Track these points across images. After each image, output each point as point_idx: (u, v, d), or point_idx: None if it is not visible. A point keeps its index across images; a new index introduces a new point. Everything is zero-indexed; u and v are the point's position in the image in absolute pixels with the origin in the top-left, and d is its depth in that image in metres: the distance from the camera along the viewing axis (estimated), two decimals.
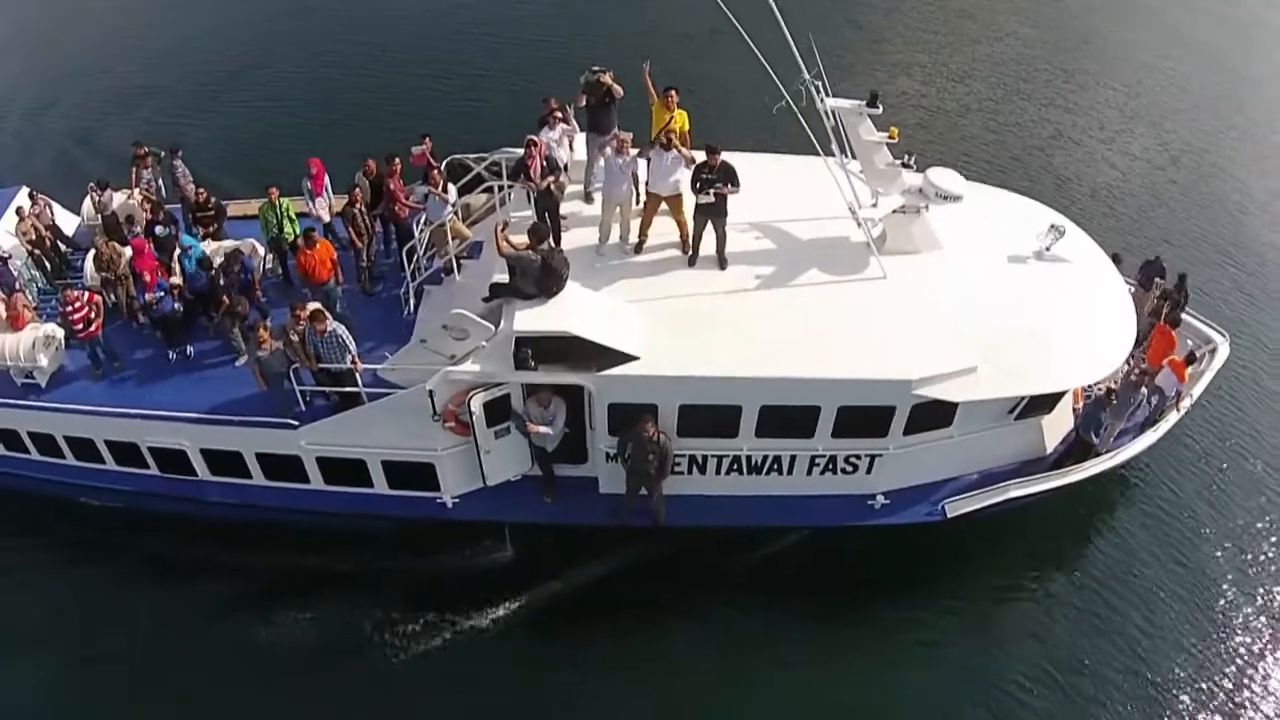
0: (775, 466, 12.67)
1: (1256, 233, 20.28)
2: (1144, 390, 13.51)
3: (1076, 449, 13.41)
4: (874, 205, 12.65)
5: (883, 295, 12.45)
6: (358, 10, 27.78)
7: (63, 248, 16.51)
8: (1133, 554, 14.11)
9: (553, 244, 12.08)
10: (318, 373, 12.40)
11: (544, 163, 12.25)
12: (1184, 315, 14.34)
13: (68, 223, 17.01)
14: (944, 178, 12.61)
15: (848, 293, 12.46)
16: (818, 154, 12.51)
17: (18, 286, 14.87)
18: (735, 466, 12.64)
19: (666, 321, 12.03)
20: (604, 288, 12.36)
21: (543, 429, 11.92)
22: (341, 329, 11.96)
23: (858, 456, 12.64)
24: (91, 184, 16.23)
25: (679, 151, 12.11)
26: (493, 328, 11.67)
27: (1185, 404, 13.87)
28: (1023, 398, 12.65)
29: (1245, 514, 14.70)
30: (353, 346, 12.04)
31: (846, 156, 12.65)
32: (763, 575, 13.63)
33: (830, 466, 12.71)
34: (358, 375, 12.21)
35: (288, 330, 12.32)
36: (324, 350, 12.06)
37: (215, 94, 24.23)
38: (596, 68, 12.70)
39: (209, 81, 24.71)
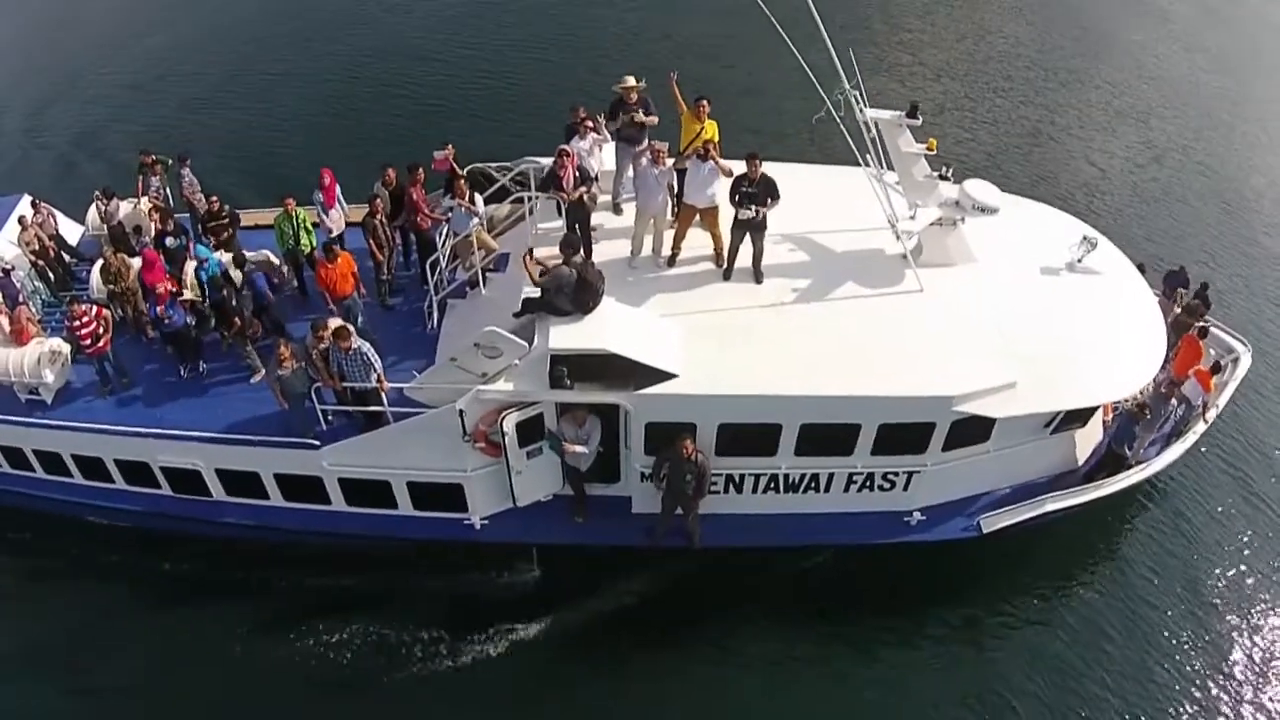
0: (812, 484, 11.81)
1: (1240, 230, 19.37)
2: (1174, 401, 12.82)
3: (1108, 461, 12.68)
4: (912, 218, 11.78)
5: (920, 309, 11.62)
6: (369, 15, 26.02)
7: (66, 258, 15.31)
8: (1153, 567, 13.32)
9: (584, 256, 11.15)
10: (341, 392, 11.38)
11: (576, 173, 11.27)
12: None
13: (71, 232, 15.78)
14: (981, 190, 11.80)
15: (885, 307, 11.61)
16: (842, 164, 11.70)
17: (21, 299, 13.68)
18: (772, 485, 11.76)
19: (704, 337, 11.11)
20: (638, 302, 11.40)
21: (578, 448, 10.98)
22: (367, 347, 10.93)
23: (895, 473, 11.80)
24: (97, 192, 15.00)
25: (716, 163, 11.18)
26: (526, 345, 10.69)
27: (1211, 414, 13.20)
28: (1060, 412, 11.89)
29: (1259, 527, 13.92)
30: (378, 364, 11.00)
31: (881, 167, 11.82)
32: (790, 592, 12.73)
33: (868, 484, 11.86)
34: (383, 394, 11.19)
35: (310, 348, 11.29)
36: (348, 368, 11.01)
37: (221, 98, 22.66)
38: (630, 79, 11.69)
39: (215, 85, 23.15)
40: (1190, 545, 13.66)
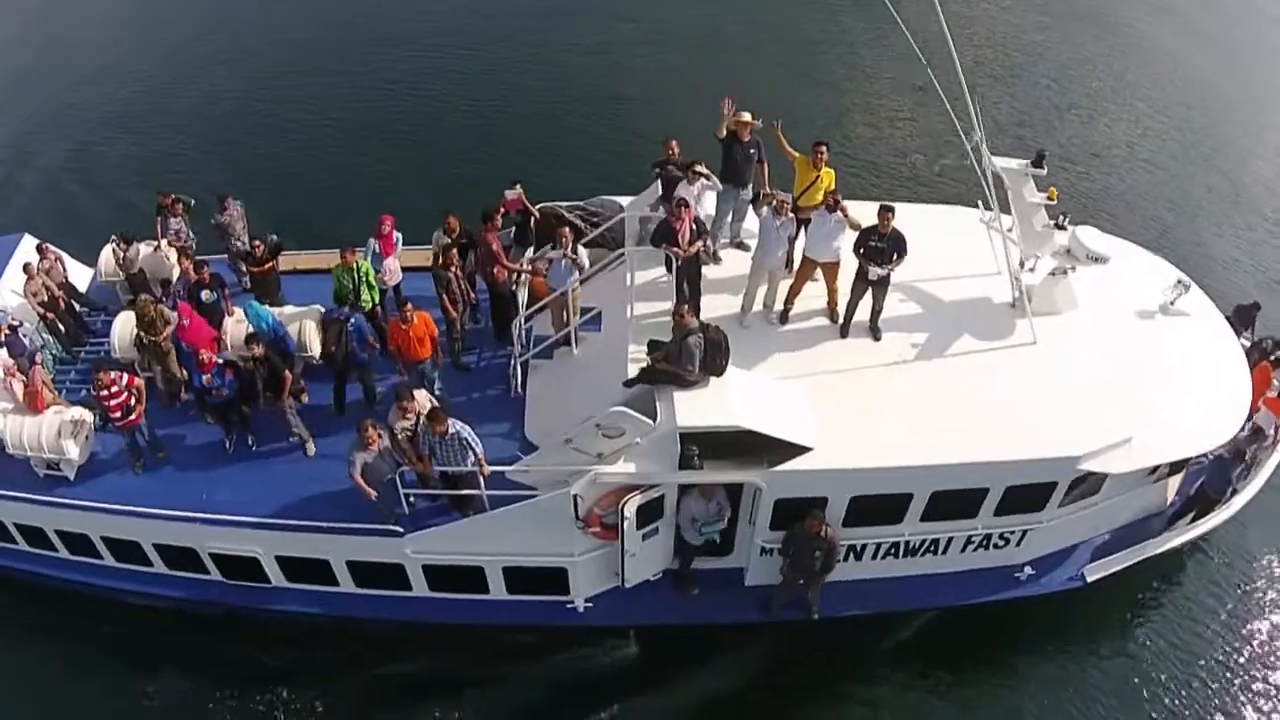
0: (931, 548, 9.96)
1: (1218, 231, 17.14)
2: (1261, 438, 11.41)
3: (1199, 503, 11.20)
4: (1031, 270, 9.96)
5: (1036, 362, 9.82)
6: (409, 34, 20.60)
7: (77, 307, 12.25)
8: (1225, 599, 11.74)
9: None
10: (429, 475, 8.92)
11: (693, 226, 9.01)
12: None
13: (79, 276, 12.60)
14: (1094, 239, 10.13)
15: (1004, 361, 9.77)
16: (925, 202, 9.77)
17: (37, 359, 10.69)
18: (892, 551, 9.86)
19: (830, 403, 9.07)
20: (753, 363, 9.27)
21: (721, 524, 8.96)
22: (466, 429, 8.49)
23: (1012, 531, 10.02)
24: (114, 236, 11.90)
25: (844, 214, 9.09)
26: (651, 422, 8.46)
27: None
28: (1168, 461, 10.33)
29: None
30: (478, 447, 8.57)
31: (990, 210, 9.98)
32: (888, 657, 10.72)
33: (984, 543, 10.08)
34: (482, 479, 8.79)
35: (391, 423, 8.80)
36: (442, 452, 8.57)
37: (239, 123, 18.08)
38: (746, 115, 9.36)
39: (232, 108, 18.57)
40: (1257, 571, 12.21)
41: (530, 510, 8.73)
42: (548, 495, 8.62)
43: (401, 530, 9.12)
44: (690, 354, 8.17)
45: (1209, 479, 11.15)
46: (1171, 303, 10.93)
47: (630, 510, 8.60)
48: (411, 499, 9.22)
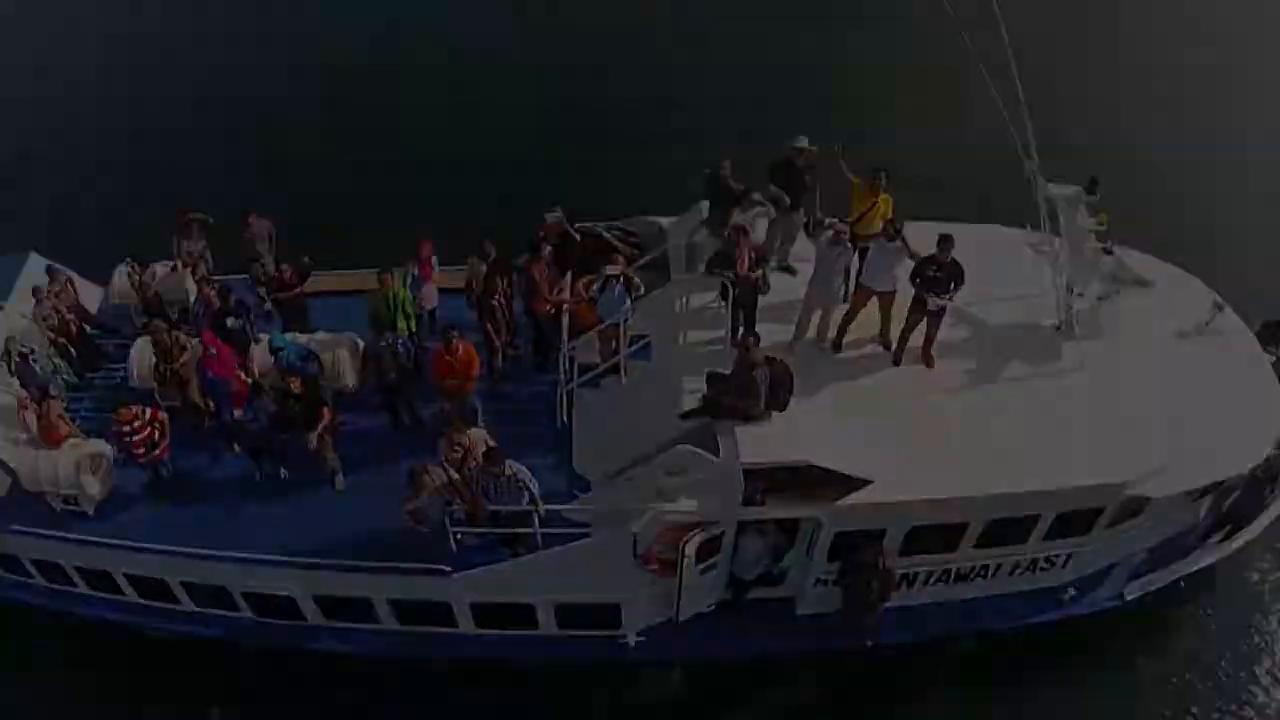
0: (981, 573, 9.69)
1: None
2: None
3: (1232, 520, 11.06)
4: (1080, 295, 9.68)
5: (1084, 386, 9.55)
6: (413, 45, 19.19)
7: (89, 330, 11.48)
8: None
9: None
10: (480, 513, 8.40)
11: (752, 254, 8.57)
12: None
13: (89, 295, 11.82)
14: (1140, 264, 9.88)
15: (1053, 387, 9.47)
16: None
17: (51, 391, 9.97)
18: (943, 578, 9.58)
19: (887, 433, 8.70)
20: (807, 392, 8.80)
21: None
22: (524, 471, 8.00)
23: (1058, 554, 9.82)
24: (127, 260, 11.20)
25: (905, 244, 8.70)
26: (714, 459, 8.05)
27: None
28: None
29: None
30: (535, 487, 8.09)
31: (1042, 233, 9.69)
32: (920, 685, 10.33)
33: (1031, 566, 9.87)
34: (538, 518, 8.31)
35: (444, 459, 8.25)
36: (495, 494, 8.07)
37: (252, 134, 16.83)
38: (804, 140, 8.95)
39: (237, 118, 17.32)
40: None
41: (586, 549, 8.29)
42: (605, 534, 8.18)
43: (450, 569, 8.61)
44: (756, 389, 7.76)
45: (1242, 495, 11.02)
46: (1207, 323, 10.79)
47: (691, 548, 8.18)
48: (459, 536, 8.72)
